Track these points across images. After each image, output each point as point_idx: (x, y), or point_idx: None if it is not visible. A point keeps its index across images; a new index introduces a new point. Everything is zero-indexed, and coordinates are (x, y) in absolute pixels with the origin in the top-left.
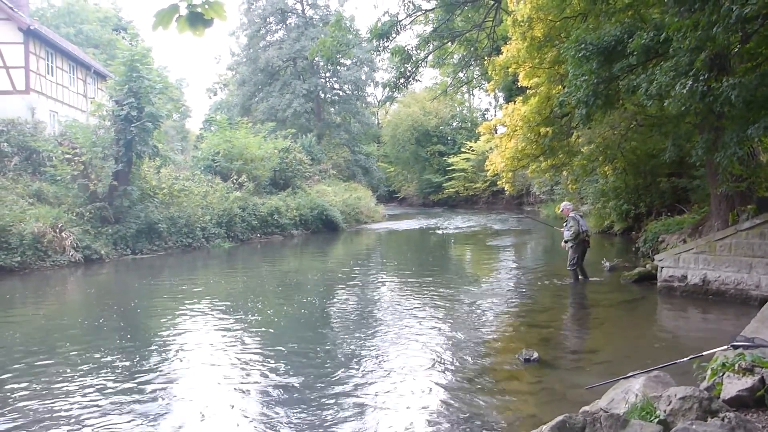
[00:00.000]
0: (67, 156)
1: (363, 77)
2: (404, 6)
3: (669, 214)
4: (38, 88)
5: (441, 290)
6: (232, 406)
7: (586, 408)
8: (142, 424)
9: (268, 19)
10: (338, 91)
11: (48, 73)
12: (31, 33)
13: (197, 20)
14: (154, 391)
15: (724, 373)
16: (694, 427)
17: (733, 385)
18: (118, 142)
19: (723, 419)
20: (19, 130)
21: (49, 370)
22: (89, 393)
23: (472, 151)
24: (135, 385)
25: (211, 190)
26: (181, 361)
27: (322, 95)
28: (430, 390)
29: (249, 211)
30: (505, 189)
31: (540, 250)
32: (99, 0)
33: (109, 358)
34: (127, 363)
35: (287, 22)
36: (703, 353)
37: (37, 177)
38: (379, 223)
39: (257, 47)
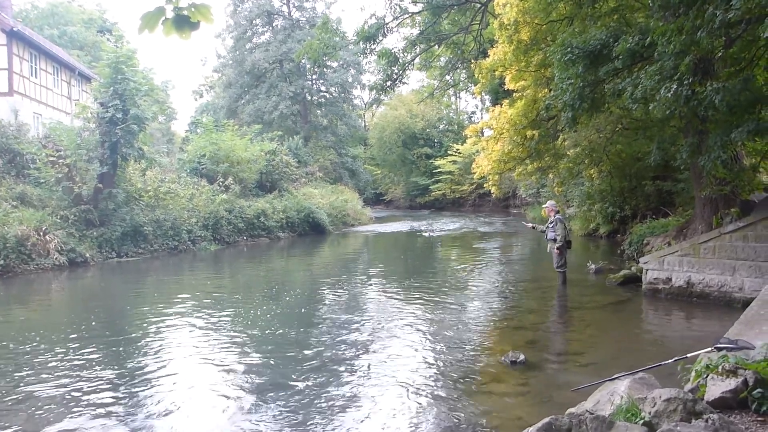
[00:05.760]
0: (51, 158)
1: (350, 79)
2: (391, 9)
3: (654, 217)
4: (22, 90)
5: (427, 292)
6: (215, 404)
7: (571, 410)
8: (125, 421)
9: (254, 21)
10: (325, 94)
11: (32, 75)
12: (15, 34)
13: (183, 23)
14: (137, 391)
15: (708, 375)
16: (678, 428)
17: (717, 387)
18: (103, 145)
19: (707, 421)
20: (2, 133)
21: (31, 370)
22: (70, 392)
23: (459, 153)
24: (118, 384)
25: (197, 192)
26: (166, 361)
27: (309, 97)
28: (415, 392)
29: (235, 214)
30: (492, 191)
31: (526, 252)
32: (83, 1)
33: (93, 357)
34: (112, 363)
35: (273, 24)
36: (688, 355)
37: (20, 180)
38: (366, 225)
39: (243, 49)
